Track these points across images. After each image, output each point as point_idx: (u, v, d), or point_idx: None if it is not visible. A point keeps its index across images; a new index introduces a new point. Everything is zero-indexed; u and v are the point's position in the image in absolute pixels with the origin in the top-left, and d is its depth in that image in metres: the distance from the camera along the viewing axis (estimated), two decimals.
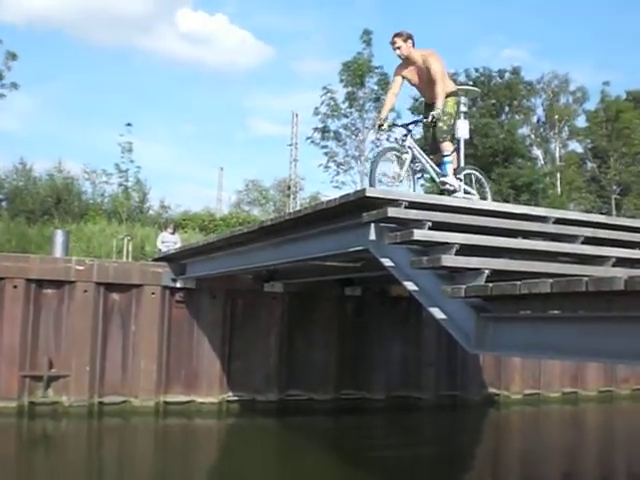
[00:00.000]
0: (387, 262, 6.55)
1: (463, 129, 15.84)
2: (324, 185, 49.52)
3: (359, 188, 7.96)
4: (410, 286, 6.21)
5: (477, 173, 8.93)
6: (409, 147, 7.92)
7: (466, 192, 8.40)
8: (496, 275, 5.53)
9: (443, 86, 7.98)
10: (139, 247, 23.46)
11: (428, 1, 77.95)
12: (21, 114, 64.16)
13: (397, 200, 6.31)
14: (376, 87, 30.76)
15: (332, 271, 12.55)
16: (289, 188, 38.76)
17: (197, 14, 75.30)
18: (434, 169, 8.24)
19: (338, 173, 31.57)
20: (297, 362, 16.14)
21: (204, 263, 13.88)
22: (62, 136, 67.17)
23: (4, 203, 34.32)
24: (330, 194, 34.08)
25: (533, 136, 40.33)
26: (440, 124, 8.10)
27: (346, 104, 31.15)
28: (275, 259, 10.13)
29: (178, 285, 15.35)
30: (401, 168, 7.78)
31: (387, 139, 27.41)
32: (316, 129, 31.92)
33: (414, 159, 7.99)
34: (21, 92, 23.72)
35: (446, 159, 8.16)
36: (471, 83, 32.09)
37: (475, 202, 7.57)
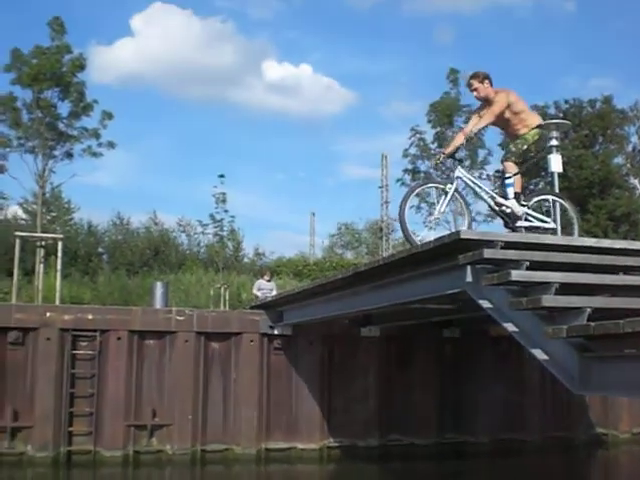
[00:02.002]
0: (485, 304, 6.47)
1: (556, 163, 15.59)
2: (417, 225, 49.19)
3: (453, 229, 7.93)
4: (510, 327, 6.11)
5: (558, 200, 8.68)
6: (457, 177, 7.87)
7: (535, 219, 8.10)
8: (597, 313, 5.39)
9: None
10: (236, 295, 23.83)
11: (510, 35, 77.35)
12: (117, 170, 66.44)
13: (493, 241, 6.25)
14: (465, 125, 30.61)
15: (429, 313, 12.43)
16: (381, 230, 38.74)
17: (282, 66, 76.78)
18: (488, 193, 8.11)
19: (431, 213, 31.39)
20: (397, 406, 15.98)
21: (300, 309, 13.97)
22: (156, 190, 69.15)
23: (105, 257, 35.47)
24: (423, 234, 33.92)
25: (629, 165, 39.22)
26: (511, 146, 8.06)
27: (435, 144, 31.10)
28: (371, 304, 10.13)
29: (276, 332, 15.49)
30: (443, 202, 7.77)
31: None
32: (406, 170, 31.96)
33: (459, 190, 7.93)
34: (116, 149, 24.56)
35: (507, 181, 7.97)
36: (561, 115, 31.63)
37: (570, 239, 7.40)
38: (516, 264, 5.94)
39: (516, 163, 7.93)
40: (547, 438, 16.70)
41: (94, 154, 25.49)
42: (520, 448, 16.18)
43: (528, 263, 5.94)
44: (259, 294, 18.61)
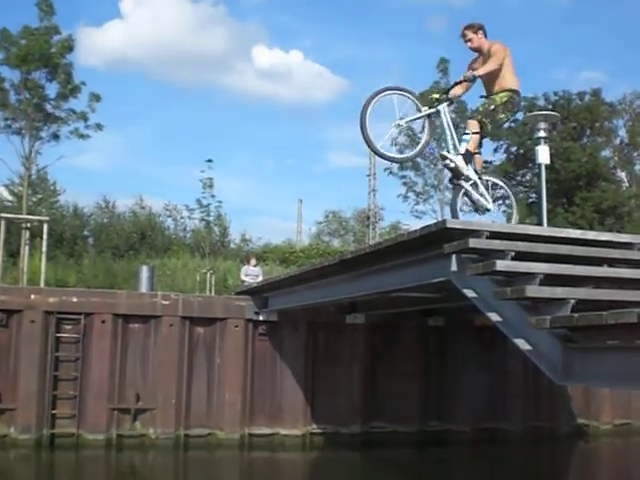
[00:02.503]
0: (470, 293, 6.49)
1: (543, 154, 15.62)
2: (404, 215, 49.45)
3: (439, 218, 7.91)
4: (494, 317, 6.13)
5: (504, 186, 8.29)
6: (439, 111, 7.67)
7: (478, 191, 7.76)
8: (581, 304, 5.42)
9: (499, 60, 7.54)
10: (222, 280, 23.79)
11: (501, 26, 77.32)
12: (104, 153, 66.16)
13: (478, 231, 6.26)
14: (454, 115, 30.63)
15: (414, 302, 12.48)
16: (368, 218, 38.77)
17: (272, 51, 76.50)
18: (453, 144, 7.68)
19: (418, 203, 31.49)
20: (380, 394, 16.05)
21: (286, 296, 13.98)
22: (144, 174, 68.90)
23: (90, 240, 35.33)
24: (410, 223, 34.01)
25: (616, 158, 39.39)
26: (479, 105, 7.76)
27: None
28: (356, 291, 10.15)
29: (261, 318, 15.51)
30: (413, 116, 7.53)
31: None
32: None
33: (432, 119, 7.66)
34: (104, 131, 24.46)
35: (464, 136, 7.64)
36: (550, 107, 31.69)
37: (559, 230, 7.40)
38: (501, 254, 5.96)
39: (480, 123, 7.65)
40: (529, 428, 16.82)
41: (81, 136, 25.34)
42: (502, 437, 16.29)
43: (513, 253, 5.96)
44: (247, 280, 18.59)
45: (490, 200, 7.81)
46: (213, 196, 24.68)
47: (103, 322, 14.83)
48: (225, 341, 15.44)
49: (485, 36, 7.84)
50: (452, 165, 7.57)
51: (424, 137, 7.79)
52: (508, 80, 7.70)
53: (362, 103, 7.14)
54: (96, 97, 25.23)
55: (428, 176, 31.40)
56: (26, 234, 20.74)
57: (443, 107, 7.71)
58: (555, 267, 5.83)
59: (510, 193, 8.52)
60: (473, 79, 7.65)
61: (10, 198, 34.09)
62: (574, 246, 6.35)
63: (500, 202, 37.25)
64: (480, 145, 7.86)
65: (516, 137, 36.06)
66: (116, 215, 37.36)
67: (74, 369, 14.67)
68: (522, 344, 5.76)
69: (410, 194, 31.78)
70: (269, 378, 15.63)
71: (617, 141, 39.55)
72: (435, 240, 6.72)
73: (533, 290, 5.47)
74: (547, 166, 16.08)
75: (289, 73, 75.32)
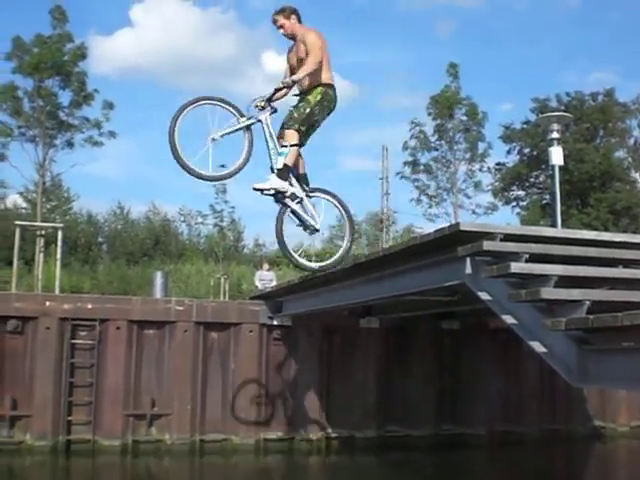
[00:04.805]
0: (484, 296, 6.47)
1: (557, 155, 15.56)
2: (417, 218, 49.42)
3: (453, 221, 7.82)
4: (509, 320, 6.11)
5: (334, 201, 7.30)
6: (259, 120, 6.77)
7: (305, 210, 7.02)
8: (596, 306, 5.39)
9: (319, 57, 6.77)
10: (236, 285, 23.85)
11: (510, 28, 77.19)
12: (117, 160, 66.39)
13: (492, 233, 6.24)
14: (465, 118, 30.62)
15: (428, 305, 12.43)
16: (382, 222, 38.74)
17: (282, 57, 76.45)
18: (273, 156, 6.85)
19: (431, 206, 31.45)
20: (395, 398, 16.01)
21: (300, 300, 13.96)
22: (157, 180, 69.13)
23: (104, 246, 35.49)
24: (423, 226, 33.96)
25: (630, 159, 39.19)
26: (294, 111, 6.91)
27: (435, 137, 31.10)
28: (370, 295, 10.13)
29: (275, 323, 15.49)
30: (228, 128, 6.59)
31: None
32: (406, 163, 31.96)
33: (251, 131, 6.71)
34: (117, 139, 24.62)
35: (280, 149, 6.77)
36: (563, 108, 31.60)
37: (573, 232, 7.36)
38: (516, 256, 5.93)
39: (299, 132, 6.81)
40: (545, 431, 16.72)
41: (95, 143, 25.50)
42: (518, 440, 16.20)
43: (528, 255, 5.93)
44: (260, 285, 18.61)
45: (319, 219, 7.06)
46: (226, 202, 24.76)
47: (118, 328, 14.87)
48: (239, 346, 15.44)
49: (299, 21, 7.11)
50: (260, 186, 6.81)
51: (244, 151, 6.76)
52: (322, 74, 6.97)
53: (171, 115, 6.43)
54: (109, 105, 25.39)
55: (441, 179, 31.34)
56: (41, 241, 20.87)
57: (265, 117, 6.83)
58: (570, 269, 5.80)
59: (343, 212, 7.40)
60: (292, 84, 6.82)
61: (24, 205, 34.31)
62: (588, 247, 6.31)
63: (514, 204, 37.22)
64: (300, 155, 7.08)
65: (529, 139, 35.97)
66: (130, 221, 37.51)
67: (89, 375, 14.71)
68: (537, 346, 5.73)
69: (423, 197, 31.71)
70: (284, 383, 15.62)
71: (631, 141, 39.32)
72: (449, 243, 6.70)
73: (548, 292, 5.44)
74: (561, 167, 16.02)
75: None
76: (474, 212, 31.28)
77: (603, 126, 36.44)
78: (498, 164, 36.23)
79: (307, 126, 6.89)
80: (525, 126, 36.62)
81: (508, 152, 37.20)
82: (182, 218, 38.77)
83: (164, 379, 15.07)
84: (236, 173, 6.75)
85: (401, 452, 15.24)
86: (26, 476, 13.69)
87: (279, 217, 7.00)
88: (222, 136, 6.54)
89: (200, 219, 29.39)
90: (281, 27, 7.06)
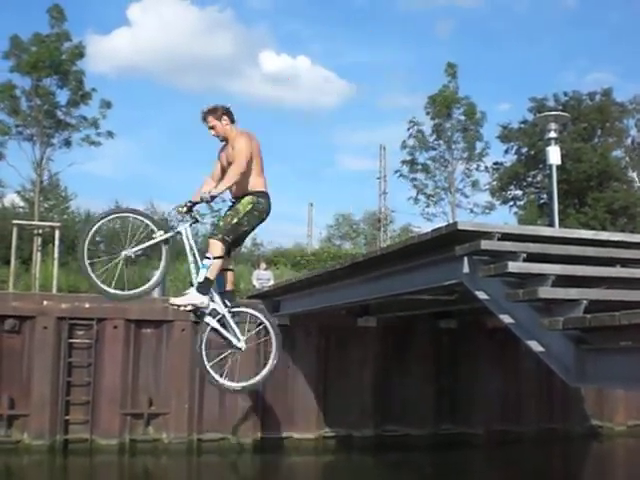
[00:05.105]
0: (482, 295, 6.47)
1: (554, 155, 15.58)
2: (414, 217, 49.53)
3: (450, 220, 7.80)
4: (506, 319, 6.12)
5: (259, 316, 6.78)
6: (178, 232, 6.39)
7: (228, 328, 6.50)
8: (594, 305, 5.40)
9: (242, 169, 6.27)
10: None
11: (508, 29, 77.19)
12: (115, 159, 66.36)
13: (490, 232, 6.24)
14: (463, 117, 30.61)
15: (426, 304, 12.44)
16: (379, 221, 38.73)
17: (280, 57, 76.52)
18: (193, 272, 6.41)
19: (428, 205, 31.42)
20: (393, 397, 16.02)
21: (297, 300, 13.97)
22: (154, 179, 69.09)
23: (102, 245, 35.41)
24: (421, 225, 33.93)
25: (628, 158, 39.19)
26: (220, 220, 6.47)
27: (433, 136, 31.08)
28: (368, 294, 10.14)
29: None
30: (142, 243, 6.23)
31: None
32: (404, 162, 31.93)
33: (169, 243, 6.37)
34: (114, 138, 24.59)
35: (203, 261, 6.24)
36: (561, 108, 31.60)
37: (570, 231, 7.37)
38: (513, 256, 5.94)
39: (223, 242, 6.24)
40: (542, 430, 16.74)
41: (93, 143, 25.43)
42: (515, 439, 16.22)
43: (525, 255, 5.94)
44: (257, 284, 18.60)
45: (242, 337, 6.53)
46: (224, 200, 24.70)
47: (115, 327, 14.87)
48: None
49: (232, 121, 6.55)
50: (175, 303, 6.43)
51: (161, 266, 6.47)
52: (252, 181, 6.46)
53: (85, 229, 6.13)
54: (107, 104, 25.31)
55: (439, 179, 31.32)
56: (38, 240, 20.85)
57: (184, 228, 6.42)
58: (567, 268, 5.81)
59: (271, 330, 6.81)
60: (211, 200, 6.28)
61: (22, 204, 34.22)
62: (586, 247, 6.33)
63: (511, 203, 37.08)
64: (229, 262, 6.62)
65: (527, 138, 35.97)
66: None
67: (87, 375, 14.71)
68: (535, 346, 5.74)
69: (421, 197, 31.65)
70: (281, 382, 15.59)
71: (628, 141, 39.33)
72: (446, 242, 6.70)
73: (546, 291, 5.46)
74: (558, 167, 16.05)
75: (297, 78, 75.34)
76: (472, 211, 31.26)
77: (601, 126, 36.43)
78: (496, 163, 36.18)
79: (234, 236, 6.36)
80: (523, 125, 36.60)
81: (506, 152, 37.17)
82: (180, 217, 38.70)
83: (161, 378, 15.06)
84: (151, 289, 6.54)
85: (399, 451, 15.25)
86: (23, 475, 13.69)
87: (199, 335, 6.54)
88: (136, 253, 6.23)
89: (198, 217, 29.32)
90: (212, 128, 6.54)
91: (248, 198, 6.38)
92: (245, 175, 6.34)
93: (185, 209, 6.39)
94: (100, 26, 70.83)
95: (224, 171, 6.48)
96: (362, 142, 79.69)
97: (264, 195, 6.51)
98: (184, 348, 15.03)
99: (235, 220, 6.31)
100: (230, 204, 6.53)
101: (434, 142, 31.13)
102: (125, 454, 14.42)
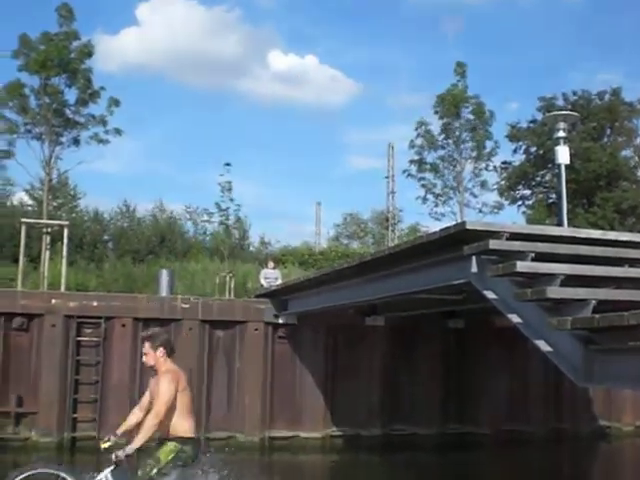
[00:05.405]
0: (490, 295, 6.46)
1: (563, 154, 15.52)
2: (423, 216, 49.36)
3: (459, 220, 7.78)
4: (514, 318, 6.10)
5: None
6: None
7: None
8: (602, 305, 5.38)
9: (160, 417, 6.02)
10: (241, 284, 23.81)
11: (515, 27, 77.04)
12: (123, 157, 66.57)
13: (498, 232, 6.23)
14: (472, 117, 30.53)
15: (434, 304, 12.42)
16: (387, 220, 38.70)
17: (288, 57, 76.60)
18: None
19: (437, 204, 31.33)
20: (400, 396, 16.01)
21: (305, 299, 13.97)
22: (163, 178, 69.25)
23: (110, 244, 35.48)
24: (429, 225, 33.86)
25: (637, 158, 39.02)
26: (139, 470, 6.03)
27: (442, 135, 31.00)
28: (376, 294, 10.13)
29: (280, 321, 15.50)
30: None
31: None
32: (412, 161, 31.86)
33: None
34: (123, 136, 24.58)
35: None
36: (570, 107, 31.48)
37: (579, 231, 7.32)
38: (521, 255, 5.93)
39: None
40: (550, 430, 16.71)
41: (101, 141, 25.41)
42: (523, 439, 16.18)
43: (533, 254, 5.93)
44: (265, 283, 18.60)
45: None
46: (232, 199, 24.68)
47: (123, 326, 14.90)
48: (245, 344, 15.45)
49: (168, 354, 6.37)
50: None
51: None
52: (176, 425, 6.17)
53: None
54: (115, 102, 25.31)
55: (447, 178, 31.23)
56: (47, 239, 20.89)
57: (105, 476, 6.13)
58: (576, 268, 5.80)
59: None
60: (125, 458, 5.97)
61: (30, 203, 34.34)
62: (595, 247, 6.31)
63: (520, 203, 37.02)
64: None
65: (535, 137, 35.86)
66: (136, 219, 37.51)
67: (95, 373, 14.75)
68: (543, 345, 5.72)
69: (429, 196, 31.57)
70: (289, 381, 15.62)
71: (638, 141, 39.14)
72: (455, 242, 6.69)
73: (554, 291, 5.44)
74: (567, 166, 15.98)
75: (305, 77, 75.41)
76: (480, 211, 31.13)
77: (610, 125, 36.29)
78: (504, 163, 36.08)
79: None
80: (531, 125, 36.48)
81: (514, 151, 37.03)
82: (188, 216, 38.77)
83: None
84: None
85: (407, 451, 15.21)
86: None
87: None
88: None
89: (206, 217, 29.27)
90: (145, 354, 6.38)
91: (171, 446, 6.10)
92: (168, 417, 6.08)
93: (107, 447, 6.27)
94: (109, 25, 71.26)
95: (152, 402, 6.25)
96: (370, 141, 79.76)
97: (189, 441, 6.23)
98: (192, 347, 15.07)
99: (154, 471, 5.98)
100: (156, 442, 6.20)
101: (443, 141, 31.04)
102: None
